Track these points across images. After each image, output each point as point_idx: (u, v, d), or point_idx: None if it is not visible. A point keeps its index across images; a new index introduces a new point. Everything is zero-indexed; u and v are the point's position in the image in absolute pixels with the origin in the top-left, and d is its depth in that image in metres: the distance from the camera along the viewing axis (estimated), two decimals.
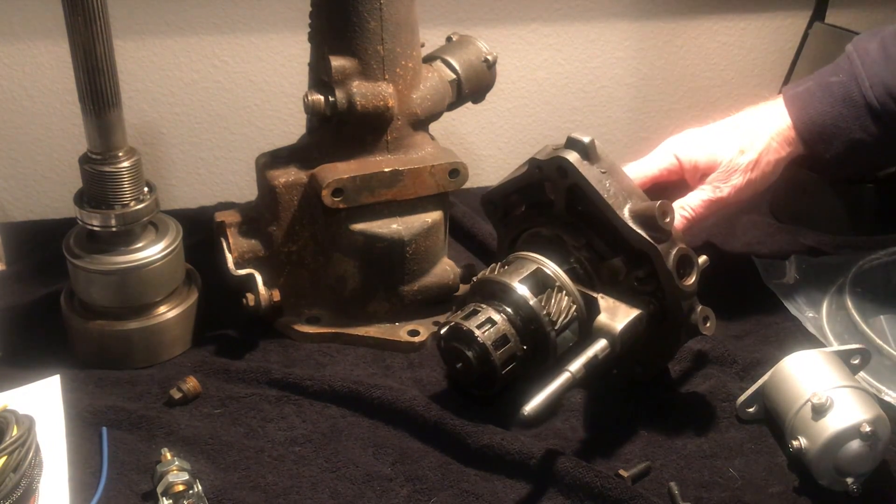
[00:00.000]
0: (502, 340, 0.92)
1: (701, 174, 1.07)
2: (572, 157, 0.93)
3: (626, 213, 0.92)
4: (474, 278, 1.00)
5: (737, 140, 1.06)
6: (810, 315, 1.13)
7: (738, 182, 1.05)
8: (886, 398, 0.99)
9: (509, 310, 0.94)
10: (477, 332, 0.92)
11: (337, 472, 0.90)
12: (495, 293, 0.95)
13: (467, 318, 0.93)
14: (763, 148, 1.05)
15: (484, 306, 0.94)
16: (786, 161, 1.07)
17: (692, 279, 0.93)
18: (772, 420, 0.96)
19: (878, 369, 1.02)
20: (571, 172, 0.93)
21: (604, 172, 0.93)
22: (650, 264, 0.92)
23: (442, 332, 0.96)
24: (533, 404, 0.81)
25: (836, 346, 1.02)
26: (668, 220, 0.91)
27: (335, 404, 0.98)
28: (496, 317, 0.93)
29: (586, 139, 0.93)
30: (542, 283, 0.95)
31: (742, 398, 0.96)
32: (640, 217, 0.92)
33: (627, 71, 1.57)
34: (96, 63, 0.91)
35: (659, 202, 0.91)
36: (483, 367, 0.93)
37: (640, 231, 0.91)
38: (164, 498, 0.82)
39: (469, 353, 0.93)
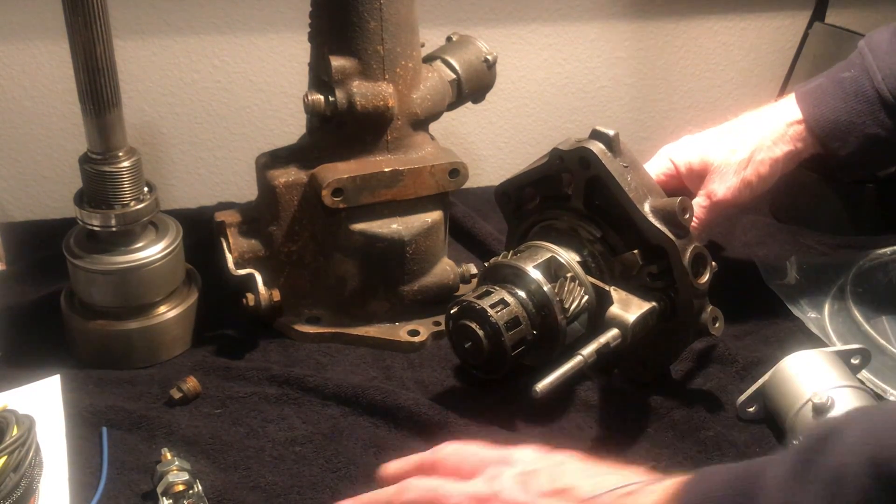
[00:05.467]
0: (514, 322, 0.92)
1: (697, 176, 1.07)
2: (596, 148, 0.93)
3: (646, 208, 0.92)
4: (485, 264, 0.99)
5: (728, 141, 1.06)
6: (812, 316, 1.12)
7: (733, 182, 1.04)
8: (892, 398, 0.98)
9: (522, 294, 0.93)
10: (490, 312, 0.91)
11: (337, 472, 0.89)
12: (507, 277, 0.95)
13: (480, 297, 0.93)
14: (755, 146, 1.05)
15: (497, 288, 0.94)
16: (786, 161, 1.06)
17: (705, 278, 0.93)
18: (772, 420, 0.96)
19: (882, 370, 1.01)
20: (594, 164, 0.93)
21: (626, 166, 0.94)
22: (664, 260, 0.93)
23: (453, 310, 0.95)
24: (544, 383, 0.82)
25: (836, 346, 1.02)
26: (687, 216, 0.91)
27: (336, 404, 0.98)
28: (509, 299, 0.93)
29: (611, 132, 0.93)
30: (554, 272, 0.95)
31: (742, 398, 0.96)
32: (661, 212, 0.92)
33: (627, 71, 1.57)
34: (96, 63, 0.91)
35: (679, 198, 0.91)
36: (493, 347, 0.92)
37: (660, 226, 0.91)
38: (164, 498, 0.82)
39: (480, 333, 0.92)
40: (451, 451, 0.78)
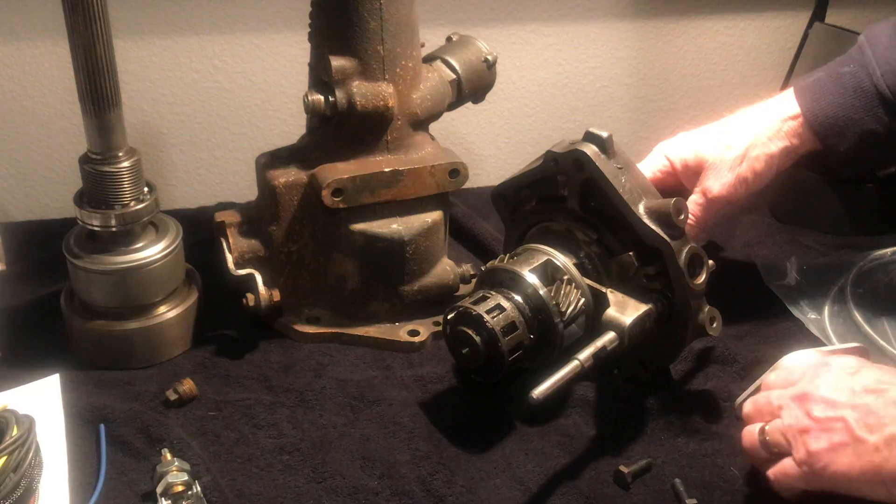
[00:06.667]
0: (511, 327, 0.92)
1: (692, 172, 1.07)
2: (590, 150, 0.93)
3: (640, 209, 0.92)
4: (482, 268, 0.99)
5: (724, 137, 1.06)
6: (812, 317, 1.12)
7: (728, 179, 1.04)
8: None
9: (518, 298, 0.93)
10: (486, 318, 0.91)
11: (323, 482, 0.89)
12: (504, 282, 0.95)
13: (476, 303, 0.93)
14: (750, 143, 1.04)
15: (493, 293, 0.94)
16: (782, 157, 1.05)
17: (702, 278, 0.93)
18: None
19: None
20: (588, 166, 0.93)
21: (620, 168, 0.94)
22: (661, 261, 0.93)
23: (449, 316, 0.95)
24: (541, 388, 0.82)
25: (835, 345, 1.02)
26: (682, 217, 0.91)
27: (329, 412, 0.97)
28: (505, 304, 0.93)
29: (604, 134, 0.93)
30: (551, 275, 0.95)
31: (740, 399, 0.96)
32: (655, 213, 0.92)
33: (627, 71, 1.57)
34: (96, 63, 0.91)
35: (674, 199, 0.91)
36: (490, 353, 0.92)
37: (654, 227, 0.91)
38: (163, 498, 0.82)
39: (477, 339, 0.92)
40: (779, 370, 0.88)
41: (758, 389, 0.95)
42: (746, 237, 1.30)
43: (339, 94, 1.00)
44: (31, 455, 0.80)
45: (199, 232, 1.17)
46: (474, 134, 1.54)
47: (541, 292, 0.93)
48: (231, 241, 1.07)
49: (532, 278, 0.94)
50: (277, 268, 1.08)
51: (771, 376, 0.89)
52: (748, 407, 0.89)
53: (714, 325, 0.95)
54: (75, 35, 0.90)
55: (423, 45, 1.07)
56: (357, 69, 1.01)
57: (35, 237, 1.26)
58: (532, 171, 1.01)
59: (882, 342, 1.05)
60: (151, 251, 1.01)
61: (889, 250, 1.21)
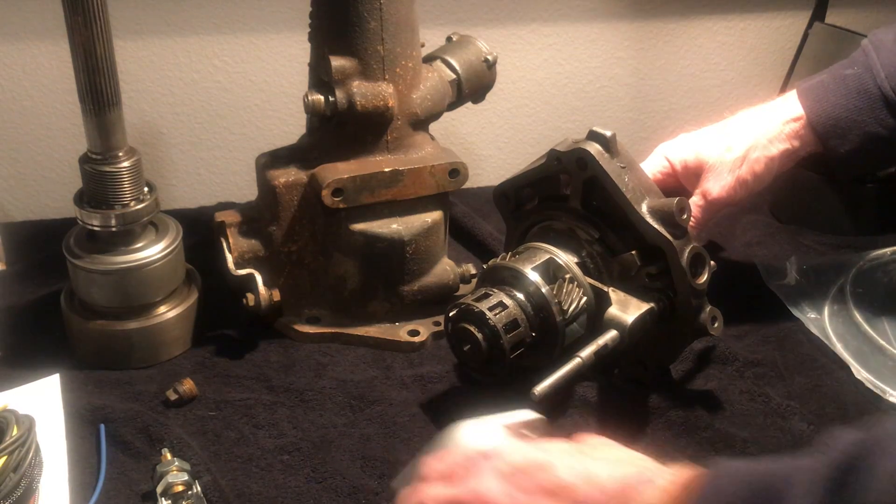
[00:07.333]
0: (513, 325, 0.92)
1: (692, 174, 1.07)
2: (593, 149, 0.93)
3: (643, 208, 0.92)
4: (484, 266, 0.99)
5: (724, 139, 1.06)
6: (812, 316, 1.12)
7: (728, 181, 1.04)
8: (891, 399, 0.98)
9: (520, 296, 0.93)
10: (489, 314, 0.91)
11: (323, 482, 0.89)
12: (506, 279, 0.95)
13: (478, 300, 0.93)
14: (750, 145, 1.04)
15: (495, 291, 0.94)
16: (782, 159, 1.05)
17: (704, 278, 0.93)
18: None
19: (881, 370, 1.02)
20: (591, 165, 0.94)
21: (623, 167, 0.94)
22: (663, 260, 0.93)
23: (451, 313, 0.95)
24: (543, 386, 0.82)
25: (508, 413, 0.83)
26: (684, 216, 0.91)
27: (328, 412, 0.97)
28: (508, 301, 0.93)
29: (608, 133, 0.93)
30: (553, 273, 0.95)
31: (396, 481, 0.80)
32: (658, 213, 0.92)
33: (627, 71, 1.57)
34: (96, 63, 0.91)
35: (677, 199, 0.91)
36: (491, 350, 0.92)
37: (657, 226, 0.91)
38: (163, 498, 0.82)
39: (479, 335, 0.92)
40: (438, 455, 0.76)
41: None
42: (746, 237, 1.30)
43: (339, 94, 1.00)
44: (31, 455, 0.80)
45: (199, 232, 1.17)
46: (474, 134, 1.54)
47: (543, 290, 0.93)
48: (231, 241, 1.07)
49: (534, 276, 0.94)
50: (277, 268, 1.08)
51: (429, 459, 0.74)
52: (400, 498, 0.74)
53: (716, 324, 0.95)
54: (75, 35, 0.90)
55: (423, 45, 1.07)
56: (357, 69, 1.01)
57: (35, 237, 1.26)
58: (535, 169, 1.01)
59: (882, 342, 1.05)
60: (151, 251, 1.01)
61: (889, 250, 1.21)
